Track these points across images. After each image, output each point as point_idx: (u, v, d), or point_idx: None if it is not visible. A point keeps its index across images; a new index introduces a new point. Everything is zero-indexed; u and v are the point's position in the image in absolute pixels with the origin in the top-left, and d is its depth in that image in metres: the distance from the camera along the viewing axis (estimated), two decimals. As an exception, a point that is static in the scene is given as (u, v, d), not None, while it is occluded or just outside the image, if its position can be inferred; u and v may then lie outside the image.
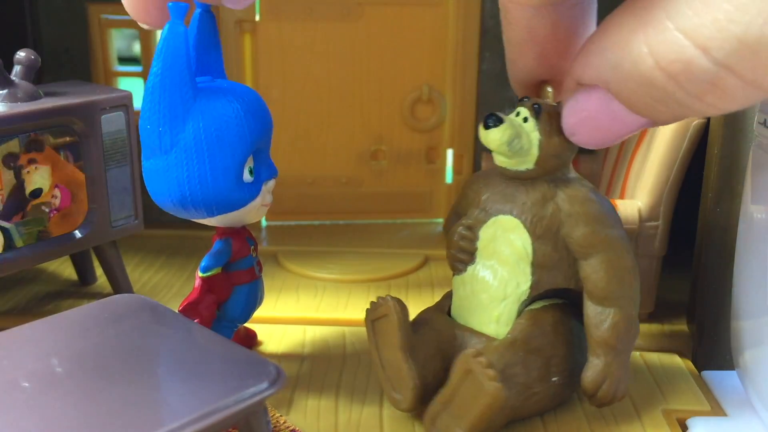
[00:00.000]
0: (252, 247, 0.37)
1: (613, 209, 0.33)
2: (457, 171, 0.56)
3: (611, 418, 0.35)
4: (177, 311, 0.35)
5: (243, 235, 0.37)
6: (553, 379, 0.33)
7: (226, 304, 0.37)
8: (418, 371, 0.32)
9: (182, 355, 0.29)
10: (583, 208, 0.32)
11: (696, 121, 0.40)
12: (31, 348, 0.29)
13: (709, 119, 0.39)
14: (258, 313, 0.40)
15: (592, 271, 0.32)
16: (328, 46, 0.54)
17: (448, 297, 0.36)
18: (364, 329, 0.42)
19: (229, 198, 0.33)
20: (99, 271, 0.47)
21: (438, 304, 0.37)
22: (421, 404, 0.33)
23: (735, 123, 0.37)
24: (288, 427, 0.33)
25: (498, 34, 0.53)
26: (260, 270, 0.38)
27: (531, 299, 0.34)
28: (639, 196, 0.42)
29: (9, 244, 0.39)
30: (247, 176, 0.33)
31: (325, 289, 0.48)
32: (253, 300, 0.38)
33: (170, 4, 0.30)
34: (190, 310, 0.35)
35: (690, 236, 0.42)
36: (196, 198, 0.32)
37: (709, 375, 0.38)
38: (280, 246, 0.53)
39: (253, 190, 0.34)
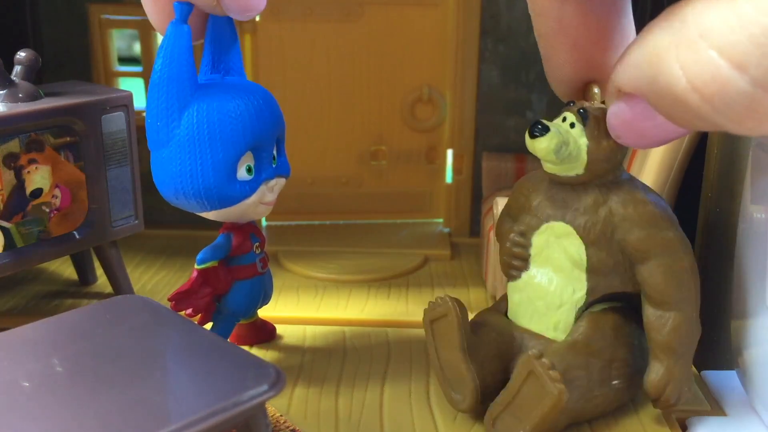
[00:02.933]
0: (256, 244, 0.37)
1: (668, 209, 0.32)
2: (457, 171, 0.56)
3: (611, 417, 0.34)
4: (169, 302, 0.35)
5: (247, 231, 0.37)
6: (614, 382, 0.33)
7: (226, 298, 0.37)
8: (478, 372, 0.32)
9: (182, 357, 0.29)
10: (636, 211, 0.31)
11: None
12: (32, 349, 0.29)
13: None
14: (258, 313, 0.40)
15: (649, 275, 0.31)
16: (328, 46, 0.54)
17: (505, 299, 0.36)
18: (363, 329, 0.43)
19: (220, 194, 0.33)
20: (99, 271, 0.47)
21: (495, 305, 0.36)
22: (480, 405, 0.33)
23: (735, 123, 0.37)
24: (288, 427, 0.33)
25: (498, 34, 0.54)
26: (263, 267, 0.38)
27: (588, 305, 0.33)
28: (639, 196, 0.41)
29: (9, 244, 0.39)
30: (243, 174, 0.34)
31: (325, 289, 0.48)
32: (256, 296, 0.38)
33: (175, 3, 0.31)
34: (181, 299, 0.35)
35: (690, 236, 0.42)
36: (187, 191, 0.33)
37: (709, 375, 0.38)
38: (280, 246, 0.53)
39: (247, 188, 0.34)
